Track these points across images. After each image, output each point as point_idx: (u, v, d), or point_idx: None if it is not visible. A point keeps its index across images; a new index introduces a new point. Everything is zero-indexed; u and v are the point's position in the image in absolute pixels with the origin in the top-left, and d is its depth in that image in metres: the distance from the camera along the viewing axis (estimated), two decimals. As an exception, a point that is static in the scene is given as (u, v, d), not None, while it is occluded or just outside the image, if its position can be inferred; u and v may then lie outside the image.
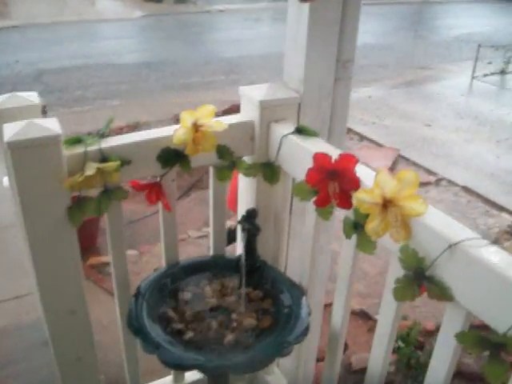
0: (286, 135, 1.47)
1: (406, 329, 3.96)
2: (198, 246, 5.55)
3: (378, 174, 1.11)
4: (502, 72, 13.59)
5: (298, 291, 1.53)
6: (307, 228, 1.55)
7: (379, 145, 8.62)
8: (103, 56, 13.63)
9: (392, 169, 7.92)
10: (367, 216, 1.13)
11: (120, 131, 8.44)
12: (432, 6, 28.00)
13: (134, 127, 8.70)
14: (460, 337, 1.01)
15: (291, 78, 1.61)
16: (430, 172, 7.92)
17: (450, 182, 7.66)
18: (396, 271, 1.15)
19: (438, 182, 7.67)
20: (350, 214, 1.25)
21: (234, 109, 8.45)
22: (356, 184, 1.21)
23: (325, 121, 1.64)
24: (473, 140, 9.23)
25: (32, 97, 1.66)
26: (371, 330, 4.90)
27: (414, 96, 11.41)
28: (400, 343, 3.71)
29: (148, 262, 4.98)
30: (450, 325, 1.07)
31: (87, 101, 10.43)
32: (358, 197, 1.13)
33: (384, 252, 5.24)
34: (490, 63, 13.87)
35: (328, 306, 2.04)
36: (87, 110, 9.89)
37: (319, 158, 1.23)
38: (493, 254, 0.99)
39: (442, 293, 1.03)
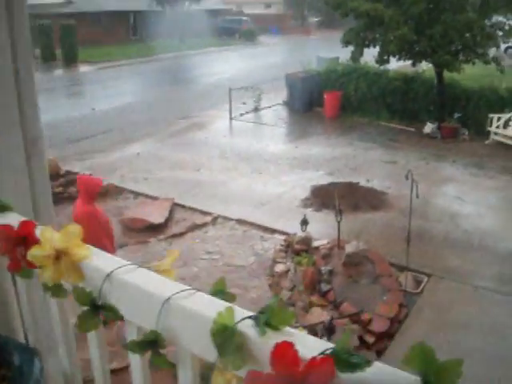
0: None
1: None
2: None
3: (42, 231, 1.25)
4: (256, 109, 14.99)
5: (28, 352, 1.59)
6: (21, 293, 1.63)
7: (154, 198, 8.87)
8: None
9: (170, 218, 8.21)
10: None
11: None
12: (184, 59, 29.77)
13: None
14: (130, 345, 1.18)
15: None
16: (205, 213, 8.37)
17: (226, 218, 8.18)
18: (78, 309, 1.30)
19: (214, 220, 8.15)
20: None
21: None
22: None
23: (25, 195, 1.76)
24: (238, 176, 9.99)
25: None
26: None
27: (181, 146, 11.98)
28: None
29: None
30: (129, 338, 1.25)
31: None
32: (31, 254, 1.26)
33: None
34: (244, 103, 15.20)
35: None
36: None
37: (1, 229, 1.35)
38: (138, 276, 1.18)
39: (114, 315, 1.20)
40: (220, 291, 0.98)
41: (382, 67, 13.22)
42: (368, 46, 12.78)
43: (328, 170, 9.99)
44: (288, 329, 0.82)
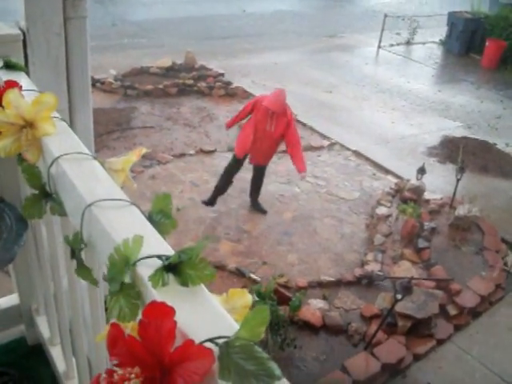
0: None
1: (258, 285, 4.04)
2: None
3: (7, 94, 1.06)
4: (408, 42, 13.96)
5: (23, 221, 1.50)
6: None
7: (277, 110, 8.64)
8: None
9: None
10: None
11: None
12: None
13: None
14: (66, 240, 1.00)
15: (20, 16, 1.57)
16: (324, 137, 8.07)
17: (343, 147, 7.83)
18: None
19: (331, 146, 7.83)
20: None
21: (134, 72, 8.33)
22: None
23: (59, 58, 1.60)
24: (370, 106, 9.46)
25: None
26: (245, 286, 5.00)
27: (319, 64, 11.52)
28: (255, 297, 3.79)
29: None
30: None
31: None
32: None
33: (268, 215, 5.28)
34: (398, 34, 14.20)
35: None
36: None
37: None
38: (81, 168, 0.98)
39: (59, 209, 1.03)
40: (160, 211, 0.74)
41: None
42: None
43: (466, 122, 9.15)
44: (200, 289, 0.59)
